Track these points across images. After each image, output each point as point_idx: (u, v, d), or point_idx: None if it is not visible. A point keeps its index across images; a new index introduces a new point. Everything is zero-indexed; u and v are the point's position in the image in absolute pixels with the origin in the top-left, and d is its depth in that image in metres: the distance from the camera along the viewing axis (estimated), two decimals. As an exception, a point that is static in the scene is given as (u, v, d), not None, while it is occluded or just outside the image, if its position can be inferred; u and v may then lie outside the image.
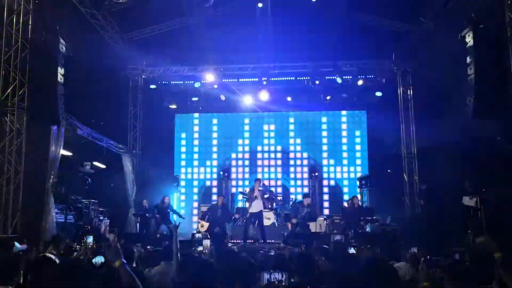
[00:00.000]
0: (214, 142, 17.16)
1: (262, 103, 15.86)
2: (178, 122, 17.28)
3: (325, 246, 7.10)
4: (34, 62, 9.50)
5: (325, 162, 16.72)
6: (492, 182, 9.68)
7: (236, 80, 15.54)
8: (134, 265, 4.69)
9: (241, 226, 12.38)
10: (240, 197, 14.53)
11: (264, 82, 15.02)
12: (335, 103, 16.17)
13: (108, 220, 12.74)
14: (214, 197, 16.03)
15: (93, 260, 5.18)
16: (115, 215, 13.46)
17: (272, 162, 16.95)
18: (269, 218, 12.95)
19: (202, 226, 12.64)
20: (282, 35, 13.61)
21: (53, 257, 3.59)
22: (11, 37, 9.41)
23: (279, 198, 15.09)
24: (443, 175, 12.10)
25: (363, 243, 9.18)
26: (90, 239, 8.02)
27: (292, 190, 16.64)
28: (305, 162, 16.75)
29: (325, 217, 13.65)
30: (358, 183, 15.24)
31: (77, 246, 7.97)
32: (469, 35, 9.28)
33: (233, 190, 16.18)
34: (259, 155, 16.99)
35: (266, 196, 12.13)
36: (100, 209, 12.56)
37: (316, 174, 15.18)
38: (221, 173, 15.68)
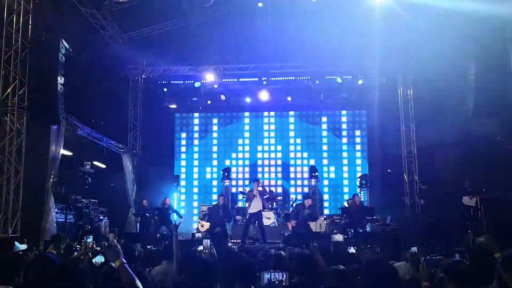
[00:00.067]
0: (214, 142, 17.17)
1: (262, 103, 15.87)
2: (178, 122, 17.30)
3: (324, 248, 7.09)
4: (34, 62, 9.49)
5: (325, 162, 16.73)
6: (492, 182, 9.68)
7: (236, 80, 15.53)
8: (134, 265, 4.69)
9: (241, 226, 12.38)
10: (240, 197, 14.53)
11: (264, 82, 15.03)
12: (335, 103, 16.18)
13: (108, 220, 12.74)
14: (214, 197, 16.04)
15: (93, 260, 5.18)
16: (115, 214, 13.45)
17: (272, 162, 16.96)
18: (269, 218, 12.95)
19: (202, 226, 12.62)
20: (282, 34, 13.60)
21: (53, 256, 3.60)
22: (11, 37, 9.41)
23: (279, 198, 15.08)
24: (443, 175, 12.11)
25: (363, 242, 9.19)
26: (90, 239, 8.00)
27: (292, 190, 16.65)
28: (305, 162, 16.76)
29: (325, 217, 13.65)
30: (358, 182, 15.24)
31: (77, 246, 7.96)
32: (469, 35, 9.29)
33: (233, 190, 16.18)
34: (259, 155, 17.00)
35: (265, 196, 12.12)
36: (100, 209, 12.55)
37: (316, 174, 15.18)
38: (221, 173, 15.69)
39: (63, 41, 9.78)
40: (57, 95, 9.58)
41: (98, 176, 12.61)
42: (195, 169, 17.11)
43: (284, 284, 3.77)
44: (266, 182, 16.76)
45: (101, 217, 12.46)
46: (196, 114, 17.20)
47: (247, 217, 11.66)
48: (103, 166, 13.70)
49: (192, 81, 15.49)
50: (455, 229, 10.04)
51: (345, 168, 16.63)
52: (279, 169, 16.87)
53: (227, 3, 13.50)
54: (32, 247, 7.24)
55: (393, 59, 14.51)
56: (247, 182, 16.25)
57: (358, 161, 16.61)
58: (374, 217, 12.37)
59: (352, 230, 11.37)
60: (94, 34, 12.78)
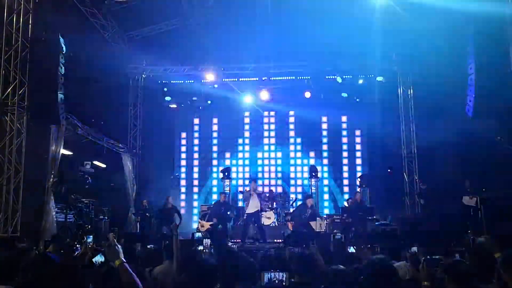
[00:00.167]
0: (214, 141, 17.17)
1: (262, 103, 15.87)
2: (178, 122, 17.29)
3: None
4: (34, 62, 9.50)
5: (325, 161, 16.73)
6: (492, 182, 9.68)
7: (236, 79, 15.53)
8: (134, 264, 4.69)
9: (241, 226, 12.39)
10: (240, 196, 14.54)
11: (264, 79, 15.00)
12: (335, 102, 16.18)
13: (108, 220, 12.74)
14: (214, 196, 16.04)
15: (93, 259, 5.18)
16: (115, 214, 13.45)
17: (272, 162, 16.96)
18: (269, 218, 12.95)
19: (202, 226, 12.62)
20: (282, 34, 13.60)
21: (53, 256, 3.60)
22: (11, 37, 9.41)
23: (279, 198, 15.08)
24: (443, 175, 12.11)
25: (363, 242, 9.18)
26: (90, 239, 8.01)
27: (292, 190, 16.65)
28: (305, 161, 16.76)
29: (325, 216, 13.65)
30: (358, 182, 15.24)
31: (77, 246, 7.96)
32: (469, 35, 9.29)
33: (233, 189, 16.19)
34: (259, 155, 17.00)
35: (266, 195, 12.14)
36: (100, 208, 12.55)
37: (316, 174, 15.17)
38: (221, 172, 15.69)
39: (63, 40, 9.78)
40: (57, 95, 9.58)
41: (98, 176, 12.62)
42: (195, 169, 17.12)
43: (284, 284, 3.77)
44: (266, 182, 16.79)
45: (101, 217, 12.46)
46: (196, 114, 17.19)
47: (245, 217, 11.68)
48: (103, 165, 13.70)
49: (192, 81, 15.50)
50: (455, 229, 10.04)
51: (345, 168, 16.63)
52: (279, 168, 16.87)
53: (227, 3, 13.49)
54: (32, 247, 7.24)
55: (393, 59, 14.53)
56: (247, 182, 16.25)
57: (358, 161, 16.60)
58: (374, 217, 12.37)
59: (353, 229, 11.37)
60: (94, 34, 12.77)
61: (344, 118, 16.88)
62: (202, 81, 15.22)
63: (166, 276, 4.47)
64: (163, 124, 16.40)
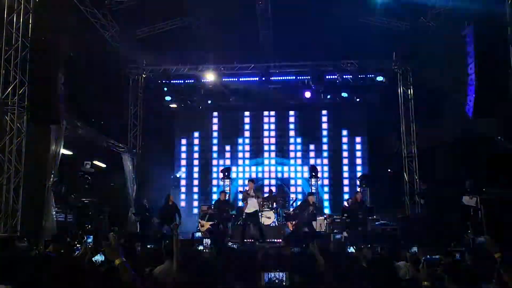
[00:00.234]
0: (215, 141, 17.17)
1: (262, 102, 15.86)
2: (178, 121, 17.29)
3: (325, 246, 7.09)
4: (34, 61, 9.49)
5: (325, 161, 16.73)
6: (492, 182, 9.68)
7: (236, 79, 15.54)
8: (134, 264, 4.69)
9: (240, 226, 12.39)
10: (240, 196, 14.54)
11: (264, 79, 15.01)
12: (336, 102, 16.17)
13: (108, 220, 12.73)
14: (214, 196, 16.04)
15: (93, 259, 5.19)
16: (115, 214, 13.44)
17: (273, 162, 16.96)
18: (269, 218, 12.95)
19: (203, 226, 12.63)
20: (283, 34, 13.60)
21: (53, 256, 3.60)
22: (12, 36, 9.40)
23: (278, 198, 15.07)
24: (443, 175, 12.11)
25: (363, 242, 9.19)
26: (90, 239, 8.03)
27: (292, 189, 16.65)
28: (305, 161, 16.76)
29: (325, 216, 13.65)
30: (358, 182, 15.24)
31: (78, 245, 7.97)
32: (469, 35, 9.28)
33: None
34: (259, 155, 17.00)
35: (265, 195, 12.15)
36: (100, 208, 12.54)
37: (316, 173, 15.17)
38: (221, 172, 15.69)
39: (64, 40, 9.77)
40: (57, 95, 9.57)
41: (98, 176, 12.61)
42: (195, 169, 17.12)
43: (284, 284, 3.77)
44: (266, 182, 16.79)
45: (101, 217, 12.45)
46: (196, 114, 17.19)
47: (244, 216, 11.69)
48: (103, 165, 13.70)
49: (193, 80, 15.49)
50: (455, 229, 10.04)
51: (345, 168, 16.63)
52: (279, 168, 16.87)
53: (228, 2, 13.48)
54: (33, 246, 7.25)
55: (393, 59, 14.54)
56: (247, 182, 16.24)
57: (358, 161, 16.60)
58: (374, 216, 12.38)
59: (353, 229, 11.38)
60: (94, 34, 12.77)
61: (344, 118, 16.87)
62: (203, 80, 15.22)
63: (167, 276, 4.47)
64: (163, 124, 16.39)
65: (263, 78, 14.79)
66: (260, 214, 12.13)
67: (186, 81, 15.67)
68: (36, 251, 6.85)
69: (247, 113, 17.14)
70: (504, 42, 8.49)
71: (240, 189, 15.56)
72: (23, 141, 9.47)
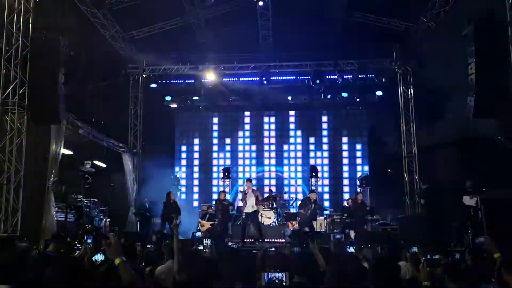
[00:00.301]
0: (215, 141, 17.18)
1: (262, 102, 15.86)
2: (178, 121, 17.30)
3: (325, 246, 7.09)
4: (34, 61, 9.49)
5: (325, 161, 16.73)
6: (492, 182, 9.68)
7: (236, 79, 15.54)
8: (134, 263, 4.69)
9: (240, 226, 12.40)
10: (240, 196, 14.54)
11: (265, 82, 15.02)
12: (335, 102, 16.18)
13: (109, 219, 12.74)
14: (214, 196, 16.03)
15: (93, 258, 5.18)
16: (116, 214, 13.46)
17: (273, 162, 16.96)
18: (269, 218, 12.95)
19: (203, 226, 12.63)
20: (283, 34, 13.60)
21: (53, 256, 3.60)
22: (12, 36, 9.42)
23: (278, 198, 15.07)
24: (443, 175, 12.11)
25: (363, 242, 9.19)
26: (90, 239, 8.00)
27: (292, 189, 16.65)
28: (305, 161, 16.76)
29: (325, 216, 13.66)
30: (358, 182, 15.24)
31: (78, 245, 7.96)
32: (469, 35, 9.27)
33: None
34: (259, 155, 17.00)
35: (265, 196, 12.16)
36: (101, 208, 12.56)
37: (317, 173, 15.18)
38: (221, 172, 15.70)
39: (64, 40, 9.77)
40: (58, 94, 9.56)
41: (99, 175, 12.61)
42: (195, 169, 17.12)
43: (284, 284, 3.77)
44: (266, 182, 16.79)
45: (102, 216, 12.46)
46: (197, 114, 17.19)
47: (243, 216, 11.71)
48: (104, 165, 13.70)
49: (193, 80, 15.50)
50: (455, 229, 10.04)
51: (345, 168, 16.63)
52: (279, 168, 16.87)
53: (228, 2, 13.50)
54: (33, 246, 7.24)
55: (393, 59, 14.54)
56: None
57: (358, 161, 16.60)
58: (374, 216, 12.38)
59: (353, 229, 11.39)
60: (94, 33, 12.78)
61: (344, 118, 16.87)
62: (203, 80, 15.22)
63: (167, 275, 4.47)
64: (163, 124, 16.40)
65: (263, 78, 14.79)
66: (260, 214, 12.13)
67: (186, 81, 15.66)
68: (36, 251, 6.84)
69: (247, 113, 17.14)
70: (504, 42, 8.48)
71: (240, 189, 15.56)
72: (23, 141, 9.48)
